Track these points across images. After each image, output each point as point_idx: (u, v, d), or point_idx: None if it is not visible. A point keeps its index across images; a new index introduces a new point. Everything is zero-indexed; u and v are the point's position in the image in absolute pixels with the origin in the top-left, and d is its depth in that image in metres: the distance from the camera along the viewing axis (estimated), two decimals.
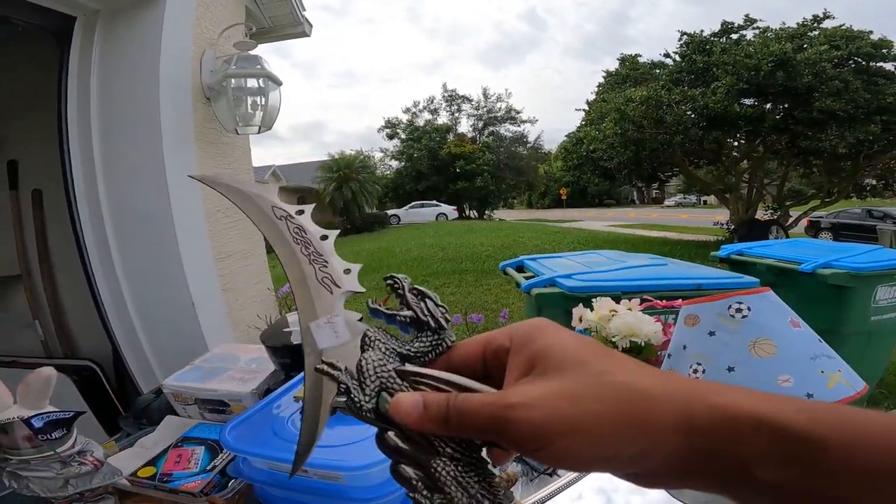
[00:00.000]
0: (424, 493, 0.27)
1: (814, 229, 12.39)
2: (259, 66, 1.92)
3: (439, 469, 0.27)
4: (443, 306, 0.34)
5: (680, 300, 0.84)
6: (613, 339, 0.79)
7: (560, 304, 1.71)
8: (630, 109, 9.92)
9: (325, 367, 0.30)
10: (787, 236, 10.14)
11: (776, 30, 10.35)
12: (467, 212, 28.28)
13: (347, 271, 0.37)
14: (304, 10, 2.98)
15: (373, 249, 12.13)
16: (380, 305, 0.35)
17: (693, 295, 1.51)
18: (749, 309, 0.60)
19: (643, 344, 0.76)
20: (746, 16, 10.86)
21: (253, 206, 0.40)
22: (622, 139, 10.39)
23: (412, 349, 0.32)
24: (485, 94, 31.77)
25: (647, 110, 9.79)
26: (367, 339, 0.32)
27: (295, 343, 1.05)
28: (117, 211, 1.77)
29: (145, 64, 1.69)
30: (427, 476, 0.27)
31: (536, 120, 32.05)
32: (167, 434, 0.94)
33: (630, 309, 0.82)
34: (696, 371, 0.61)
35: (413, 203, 25.47)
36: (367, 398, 0.29)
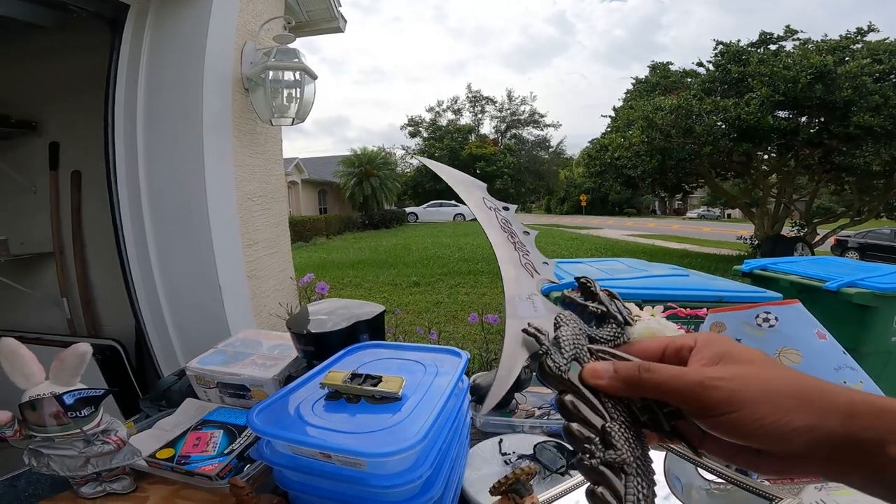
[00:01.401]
0: (599, 446, 0.31)
1: (840, 248, 12.05)
2: (297, 60, 1.97)
3: (613, 431, 0.32)
4: (627, 308, 0.41)
5: (705, 309, 0.85)
6: None
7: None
8: (658, 118, 9.75)
9: (533, 330, 0.36)
10: (813, 254, 9.88)
11: (817, 42, 10.05)
12: None
13: (546, 263, 0.44)
14: (340, 5, 3.04)
15: (390, 246, 12.22)
16: (575, 296, 0.41)
17: (716, 306, 1.51)
18: (777, 319, 0.61)
19: None
20: (787, 27, 10.56)
21: (470, 193, 0.48)
22: (648, 147, 10.22)
23: (599, 334, 0.38)
24: (509, 97, 31.94)
25: (675, 119, 9.60)
26: (560, 318, 0.37)
27: (318, 332, 1.05)
28: (155, 194, 1.82)
29: (191, 53, 1.74)
30: (598, 436, 0.32)
31: (560, 124, 32.27)
32: (187, 417, 0.94)
33: (653, 315, 0.83)
34: None
35: (431, 202, 25.59)
36: (564, 362, 0.34)
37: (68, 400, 0.69)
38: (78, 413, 0.70)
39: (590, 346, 0.36)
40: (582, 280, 0.41)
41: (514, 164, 27.61)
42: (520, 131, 31.17)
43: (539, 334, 0.35)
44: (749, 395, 0.29)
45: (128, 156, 1.80)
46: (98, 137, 1.83)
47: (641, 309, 0.93)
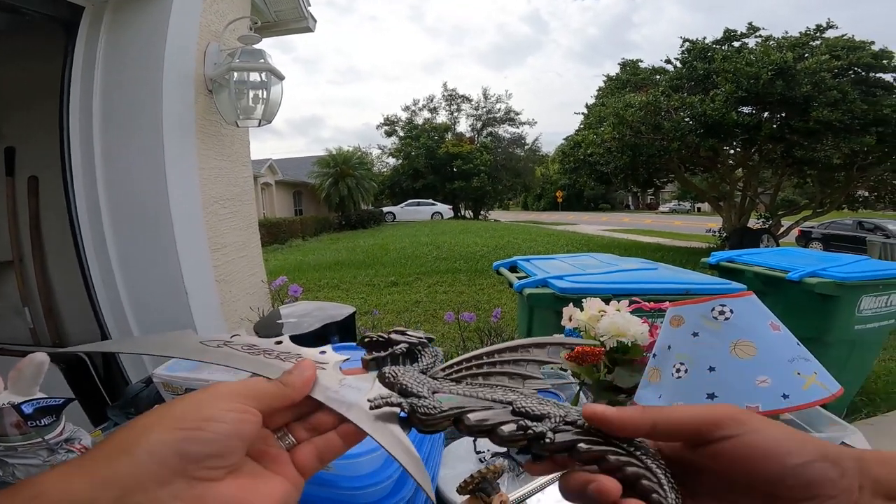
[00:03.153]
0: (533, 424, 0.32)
1: (805, 239, 12.53)
2: (262, 60, 1.93)
3: (524, 404, 0.34)
4: (420, 331, 0.40)
5: (668, 303, 0.87)
6: (601, 339, 0.82)
7: (551, 304, 1.74)
8: (629, 114, 9.95)
9: (380, 401, 0.34)
10: (778, 245, 10.24)
11: (778, 38, 10.39)
12: (462, 211, 28.26)
13: (323, 352, 0.39)
14: (310, 4, 2.99)
15: (367, 246, 12.13)
16: (370, 356, 0.38)
17: (682, 299, 1.54)
18: (731, 311, 0.63)
19: (630, 344, 0.79)
20: (750, 24, 10.91)
21: (185, 348, 0.39)
22: (619, 144, 10.43)
23: (424, 364, 0.37)
24: (485, 95, 31.69)
25: (645, 116, 9.82)
26: (387, 376, 0.36)
27: (290, 335, 1.05)
28: (115, 199, 1.77)
29: (150, 54, 1.69)
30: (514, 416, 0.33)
31: (535, 122, 32.16)
32: None
33: (619, 310, 0.84)
34: (678, 370, 0.64)
35: (409, 201, 25.47)
36: (431, 399, 0.33)
37: (27, 409, 0.69)
38: (38, 422, 0.70)
39: (432, 372, 0.36)
40: (365, 339, 0.40)
41: (491, 162, 27.59)
42: (496, 129, 31.17)
43: (388, 398, 0.34)
44: (772, 428, 0.29)
45: (84, 160, 1.74)
46: (55, 143, 1.76)
47: (608, 304, 0.94)
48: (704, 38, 11.23)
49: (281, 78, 2.05)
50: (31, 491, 0.26)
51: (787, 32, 10.61)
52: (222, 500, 0.28)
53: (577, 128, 14.27)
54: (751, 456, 0.28)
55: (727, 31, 11.07)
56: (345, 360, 0.38)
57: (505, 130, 31.10)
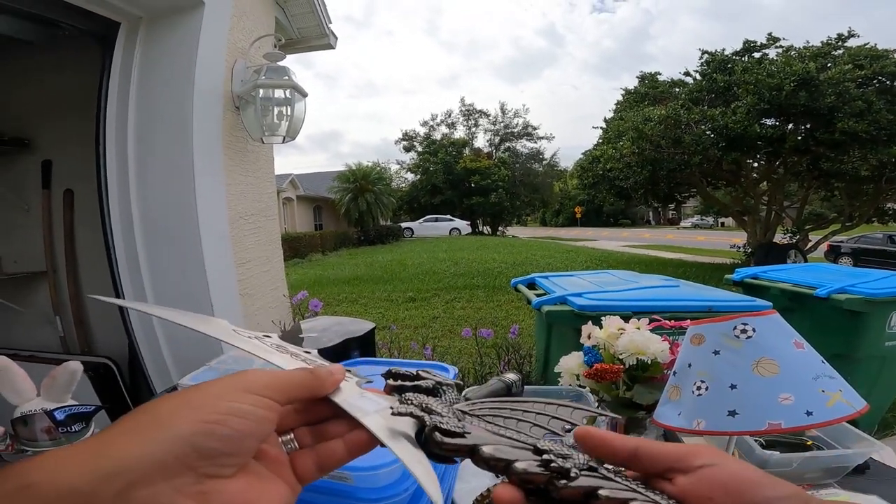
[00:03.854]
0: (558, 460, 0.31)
1: (833, 254, 12.13)
2: (287, 78, 1.99)
3: (546, 447, 0.32)
4: (436, 375, 0.40)
5: (689, 321, 0.86)
6: (621, 357, 0.81)
7: (570, 321, 1.73)
8: (648, 128, 9.84)
9: (403, 408, 0.33)
10: (806, 260, 9.94)
11: (799, 49, 10.19)
12: (480, 227, 28.24)
13: (348, 370, 0.39)
14: (331, 21, 3.08)
15: (385, 262, 12.21)
16: (395, 382, 0.38)
17: (704, 317, 1.52)
18: (754, 330, 0.62)
19: (650, 362, 0.78)
20: (769, 34, 10.74)
21: (220, 331, 0.41)
22: (639, 158, 10.30)
23: (448, 400, 0.37)
24: (502, 110, 31.84)
25: (665, 129, 9.69)
26: (408, 396, 0.35)
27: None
28: (146, 212, 1.82)
29: (182, 70, 1.75)
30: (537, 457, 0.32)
31: (553, 136, 32.11)
32: None
33: (638, 328, 0.84)
34: (699, 388, 0.64)
35: (427, 217, 25.59)
36: (449, 416, 0.32)
37: (59, 416, 0.70)
38: (69, 429, 0.71)
39: (458, 406, 0.35)
40: (390, 382, 0.38)
41: (509, 178, 27.55)
42: (514, 144, 31.17)
43: (409, 404, 0.33)
44: (748, 465, 0.30)
45: (119, 173, 1.80)
46: (90, 156, 1.83)
47: (628, 321, 0.94)
48: (723, 49, 11.11)
49: (304, 95, 2.11)
50: (18, 480, 0.23)
51: (808, 42, 10.42)
52: (228, 498, 0.27)
53: (595, 142, 14.18)
54: (728, 484, 0.28)
55: (747, 41, 10.91)
56: (368, 382, 0.38)
57: (523, 145, 31.10)
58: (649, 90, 12.39)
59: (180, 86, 1.76)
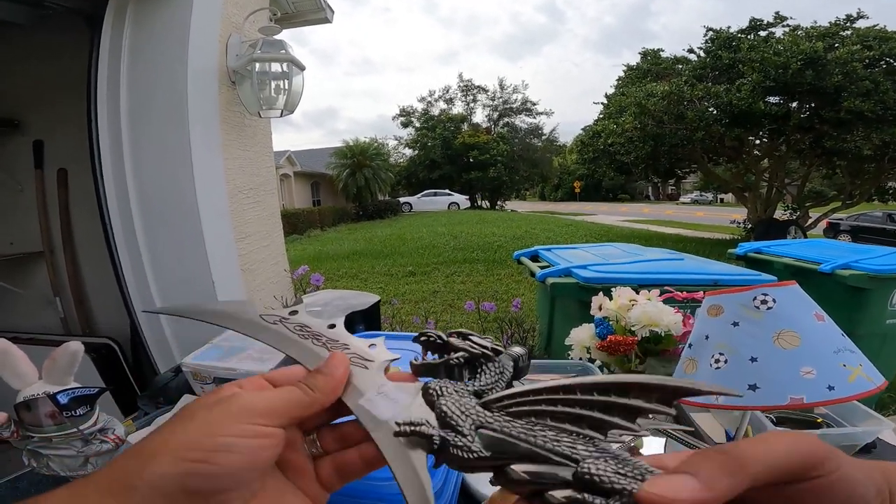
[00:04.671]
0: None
1: (833, 231, 12.16)
2: (283, 51, 1.94)
3: (591, 468, 0.24)
4: (488, 337, 0.34)
5: (702, 293, 0.85)
6: (633, 328, 0.80)
7: (575, 294, 1.72)
8: (651, 104, 9.78)
9: (408, 428, 0.28)
10: (805, 237, 9.97)
11: (807, 28, 10.09)
12: (479, 202, 28.22)
13: (373, 346, 0.35)
14: None
15: (384, 236, 12.19)
16: (422, 361, 0.34)
17: (711, 290, 1.51)
18: (774, 301, 0.61)
19: (663, 334, 0.77)
20: (777, 13, 10.60)
21: (242, 322, 0.38)
22: (641, 133, 10.27)
23: (482, 384, 0.31)
24: (501, 85, 31.54)
25: (668, 105, 9.65)
26: (431, 391, 0.30)
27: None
28: (143, 190, 1.79)
29: (174, 46, 1.70)
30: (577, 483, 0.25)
31: (552, 112, 31.69)
32: None
33: (649, 300, 0.83)
34: (717, 361, 0.63)
35: (425, 191, 25.47)
36: (470, 438, 0.27)
37: (62, 399, 0.69)
38: (73, 412, 0.70)
39: (485, 400, 0.29)
40: (421, 339, 0.34)
41: (508, 153, 27.39)
42: (512, 119, 30.88)
43: (418, 426, 0.28)
44: (854, 467, 0.24)
45: (113, 153, 1.77)
46: (83, 135, 1.79)
47: (637, 293, 0.93)
48: (729, 27, 10.96)
49: (302, 68, 2.06)
50: None
51: (815, 22, 10.30)
52: None
53: (596, 118, 14.10)
54: (833, 498, 0.23)
55: (753, 20, 10.78)
56: (394, 360, 0.34)
57: (522, 121, 30.87)
58: (652, 66, 12.30)
59: (173, 62, 1.71)
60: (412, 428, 0.28)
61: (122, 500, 0.24)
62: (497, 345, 0.33)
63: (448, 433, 0.27)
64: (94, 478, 0.26)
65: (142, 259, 1.82)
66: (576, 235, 11.52)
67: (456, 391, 0.30)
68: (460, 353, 0.32)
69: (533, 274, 2.01)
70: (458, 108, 30.74)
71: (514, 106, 30.65)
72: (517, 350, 0.54)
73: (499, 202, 28.83)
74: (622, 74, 13.53)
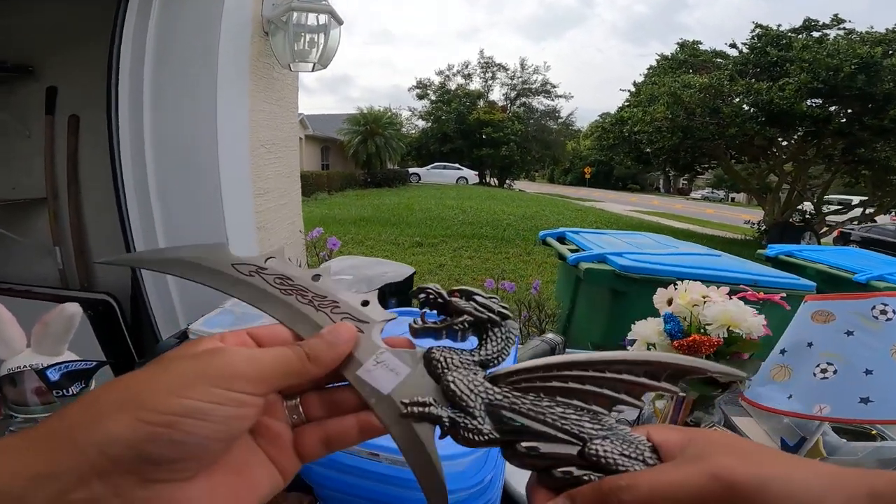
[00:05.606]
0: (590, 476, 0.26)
1: (843, 241, 12.03)
2: (324, 2, 1.85)
3: (598, 450, 0.26)
4: (494, 297, 0.30)
5: (780, 295, 0.79)
6: (707, 327, 0.74)
7: (609, 281, 1.65)
8: (686, 95, 9.68)
9: (415, 409, 0.26)
10: (819, 243, 9.87)
11: (862, 33, 9.88)
12: (488, 178, 28.20)
13: (366, 303, 0.31)
14: None
15: (392, 205, 12.09)
16: (421, 324, 0.30)
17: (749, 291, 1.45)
18: (894, 312, 0.55)
19: (744, 336, 0.71)
20: (835, 16, 10.36)
21: (210, 273, 0.31)
22: (671, 124, 10.17)
23: (488, 353, 0.29)
24: (522, 65, 31.31)
25: (704, 98, 9.55)
26: (435, 360, 0.28)
27: None
28: (160, 139, 1.70)
29: None
30: (583, 460, 0.26)
31: (572, 96, 31.45)
32: None
33: (728, 298, 0.77)
34: (824, 371, 0.57)
35: (435, 164, 25.48)
36: (480, 420, 0.26)
37: (53, 375, 0.57)
38: (65, 391, 0.58)
39: (493, 374, 0.28)
40: (420, 295, 0.30)
41: (522, 132, 27.32)
42: (530, 100, 30.76)
43: (427, 407, 0.26)
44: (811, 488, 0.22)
45: (132, 99, 1.67)
46: (99, 81, 1.69)
47: (674, 288, 0.87)
48: (779, 25, 10.73)
49: (340, 22, 1.97)
50: None
51: (871, 27, 10.03)
52: None
53: (620, 105, 13.94)
54: None
55: (808, 20, 10.55)
56: (391, 320, 0.30)
57: (539, 102, 30.76)
58: (689, 58, 12.11)
59: (208, 6, 1.62)
60: (420, 409, 0.26)
61: (57, 459, 0.21)
62: (504, 307, 0.30)
63: (458, 414, 0.27)
64: (33, 432, 0.22)
65: (152, 211, 1.73)
66: (585, 221, 11.42)
67: (462, 363, 0.28)
68: (464, 318, 0.29)
69: (561, 257, 1.95)
70: (475, 85, 30.62)
71: (533, 87, 30.52)
72: (553, 337, 0.49)
73: (507, 181, 28.69)
74: (654, 64, 13.36)
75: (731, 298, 0.81)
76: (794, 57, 9.42)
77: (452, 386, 0.27)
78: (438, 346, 0.29)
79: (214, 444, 0.23)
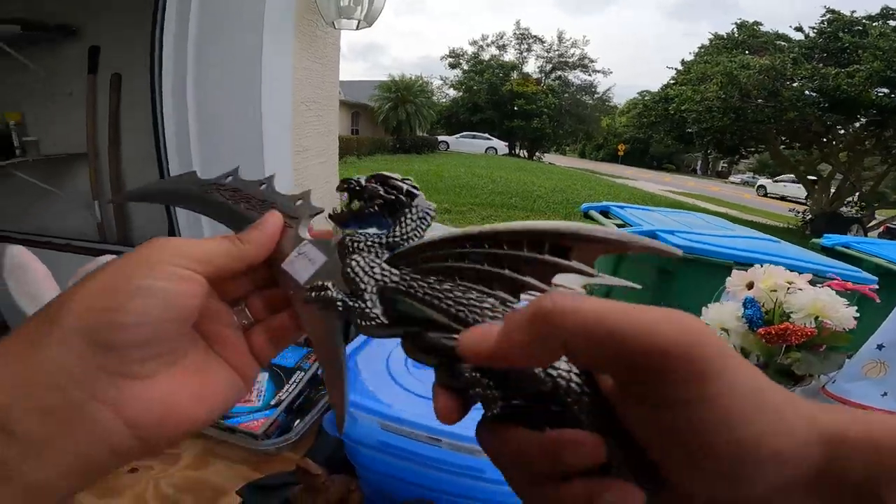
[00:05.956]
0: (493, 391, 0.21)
1: (889, 235, 11.45)
2: None
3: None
4: (408, 178, 0.29)
5: (870, 287, 0.73)
6: (791, 315, 0.69)
7: (656, 260, 1.58)
8: (744, 76, 9.24)
9: (313, 294, 0.26)
10: (866, 236, 9.40)
11: None
12: (517, 150, 27.90)
13: (299, 200, 0.32)
14: None
15: (422, 171, 12.02)
16: (338, 211, 0.30)
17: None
18: None
19: (834, 329, 0.66)
20: None
21: (185, 196, 0.34)
22: (723, 105, 9.78)
23: (396, 235, 0.27)
24: (559, 38, 30.40)
25: (763, 80, 9.13)
26: (343, 245, 0.27)
27: None
28: (203, 96, 1.69)
29: None
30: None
31: (610, 72, 30.21)
32: None
33: (819, 286, 0.71)
34: None
35: (464, 132, 25.34)
36: (371, 304, 0.24)
37: None
38: None
39: (395, 253, 0.26)
40: (343, 185, 0.30)
41: (555, 105, 26.78)
42: (566, 74, 29.98)
43: (324, 291, 0.25)
44: (743, 381, 0.17)
45: (176, 57, 1.65)
46: (142, 39, 1.69)
47: (729, 273, 0.81)
48: (853, 11, 10.15)
49: None
50: None
51: None
52: (145, 404, 0.23)
53: (665, 82, 13.48)
54: (712, 434, 0.17)
55: (886, 8, 9.95)
56: (319, 213, 0.31)
57: (576, 76, 30.06)
58: (747, 38, 11.51)
59: None
60: (318, 293, 0.26)
61: (27, 363, 0.22)
62: (414, 186, 0.29)
63: (349, 297, 0.25)
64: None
65: (192, 166, 1.74)
66: (618, 197, 11.14)
67: (368, 245, 0.27)
68: (376, 202, 0.28)
69: None
70: (509, 56, 30.10)
71: (570, 60, 29.78)
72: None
73: (537, 153, 28.25)
74: (706, 43, 12.80)
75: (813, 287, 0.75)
76: (868, 44, 8.96)
77: (349, 267, 0.26)
78: (356, 232, 0.28)
79: (167, 323, 0.24)
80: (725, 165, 35.10)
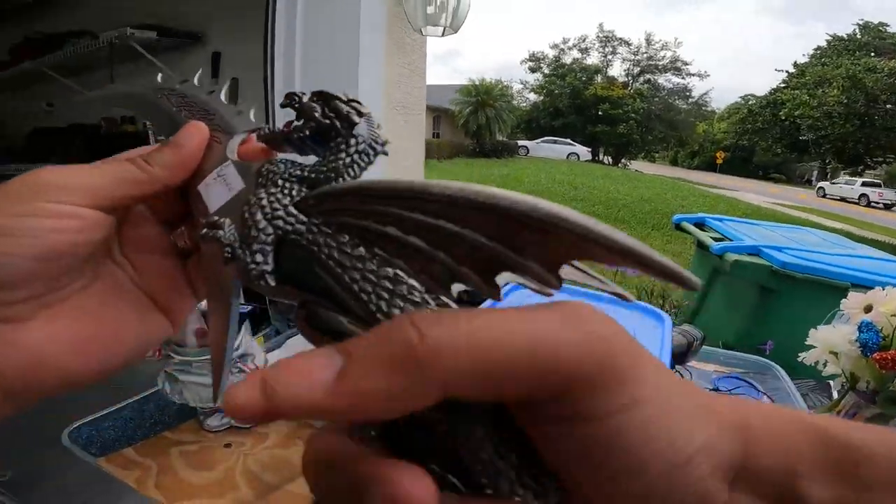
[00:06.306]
0: None
1: None
2: None
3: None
4: (355, 100, 0.21)
5: None
6: None
7: (762, 278, 1.44)
8: (870, 80, 8.25)
9: (208, 232, 0.21)
10: None
11: None
12: (601, 156, 26.94)
13: (240, 113, 0.27)
14: None
15: (501, 174, 12.01)
16: (268, 131, 0.23)
17: None
18: None
19: None
20: None
21: (141, 101, 0.31)
22: (845, 110, 8.78)
23: (321, 168, 0.20)
24: (648, 41, 29.12)
25: (893, 84, 8.11)
26: (259, 174, 0.22)
27: None
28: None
29: None
30: None
31: (707, 75, 27.97)
32: None
33: None
34: None
35: (545, 137, 24.89)
36: (259, 257, 0.19)
37: None
38: None
39: (302, 202, 0.19)
40: (286, 100, 0.22)
41: (644, 111, 25.51)
42: (656, 77, 28.51)
43: (216, 230, 0.21)
44: (655, 382, 0.14)
45: (286, 62, 1.80)
46: (257, 45, 1.84)
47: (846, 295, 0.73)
48: None
49: None
50: None
51: None
52: (6, 349, 0.20)
53: (774, 86, 12.35)
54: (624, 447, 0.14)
55: None
56: (257, 130, 0.24)
57: (667, 80, 28.63)
58: (873, 40, 10.26)
59: None
60: (209, 231, 0.21)
61: None
62: (361, 111, 0.21)
63: (238, 247, 0.20)
64: None
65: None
66: (714, 209, 10.25)
67: (283, 179, 0.21)
68: (309, 125, 0.21)
69: (701, 245, 1.75)
70: (593, 59, 29.37)
71: (661, 63, 28.45)
72: (693, 331, 0.39)
73: (622, 160, 27.01)
74: (823, 45, 11.57)
75: None
76: None
77: (245, 207, 0.21)
78: (282, 158, 0.22)
79: (36, 264, 0.21)
80: (848, 175, 31.17)
